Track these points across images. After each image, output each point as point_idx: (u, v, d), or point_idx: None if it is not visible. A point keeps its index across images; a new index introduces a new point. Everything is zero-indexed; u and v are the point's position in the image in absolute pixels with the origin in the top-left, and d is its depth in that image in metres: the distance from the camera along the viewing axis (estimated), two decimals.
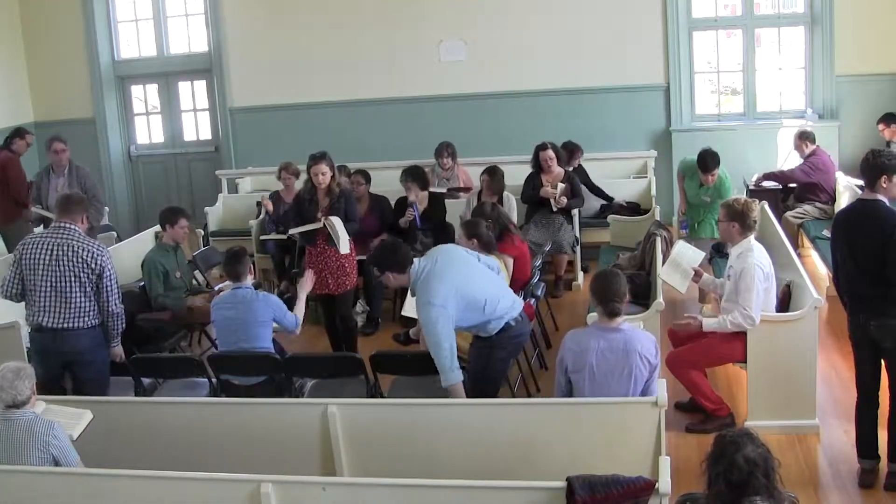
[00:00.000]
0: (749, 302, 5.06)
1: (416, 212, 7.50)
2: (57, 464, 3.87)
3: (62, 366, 5.27)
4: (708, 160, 7.41)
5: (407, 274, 4.78)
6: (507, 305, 4.84)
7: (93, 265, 5.13)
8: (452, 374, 4.60)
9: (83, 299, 5.16)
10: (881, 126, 8.76)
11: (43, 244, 5.18)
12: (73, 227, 5.20)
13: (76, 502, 3.73)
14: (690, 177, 7.69)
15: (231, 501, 3.56)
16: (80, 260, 5.11)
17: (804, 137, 8.33)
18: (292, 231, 6.41)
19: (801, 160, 8.35)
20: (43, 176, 8.09)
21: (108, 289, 5.19)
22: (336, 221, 6.15)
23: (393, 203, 7.81)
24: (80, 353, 5.20)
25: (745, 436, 2.90)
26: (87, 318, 5.19)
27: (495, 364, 4.88)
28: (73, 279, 5.12)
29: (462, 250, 5.09)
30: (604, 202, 8.57)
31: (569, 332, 4.61)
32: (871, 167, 4.43)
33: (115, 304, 5.23)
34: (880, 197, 4.43)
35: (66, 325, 5.15)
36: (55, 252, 5.13)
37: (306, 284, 5.81)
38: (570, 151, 8.49)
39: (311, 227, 6.21)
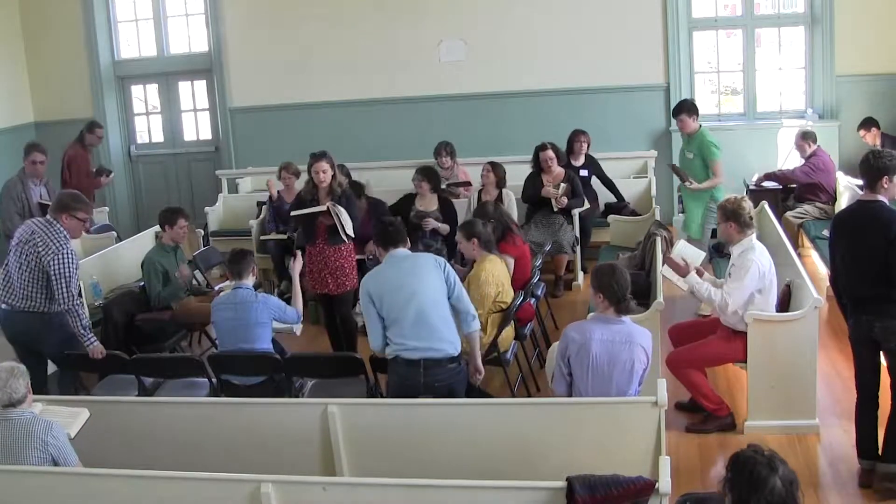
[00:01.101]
0: (732, 289, 5.12)
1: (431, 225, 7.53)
2: (56, 464, 3.87)
3: (28, 349, 5.45)
4: (680, 104, 7.29)
5: (382, 252, 4.88)
6: (401, 340, 4.62)
7: (42, 251, 5.28)
8: (371, 339, 4.75)
9: (28, 281, 5.33)
10: (862, 132, 8.71)
11: (24, 229, 5.46)
12: (55, 222, 5.38)
13: (75, 502, 3.73)
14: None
15: (231, 501, 3.56)
16: (32, 246, 5.32)
17: (806, 137, 8.32)
18: (295, 213, 6.34)
19: (802, 160, 8.35)
20: (22, 184, 7.70)
21: (57, 285, 5.26)
22: (340, 209, 6.13)
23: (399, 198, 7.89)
24: (25, 334, 5.41)
25: (772, 456, 2.81)
26: (32, 302, 5.35)
27: (389, 385, 4.84)
28: (21, 261, 5.34)
29: (429, 283, 4.69)
30: (612, 201, 8.54)
31: (570, 323, 4.62)
32: (872, 168, 4.42)
33: (64, 301, 5.27)
34: (880, 198, 4.42)
35: (14, 304, 5.37)
36: (23, 237, 5.38)
37: (296, 266, 5.88)
38: (574, 136, 8.42)
39: (316, 210, 6.14)
